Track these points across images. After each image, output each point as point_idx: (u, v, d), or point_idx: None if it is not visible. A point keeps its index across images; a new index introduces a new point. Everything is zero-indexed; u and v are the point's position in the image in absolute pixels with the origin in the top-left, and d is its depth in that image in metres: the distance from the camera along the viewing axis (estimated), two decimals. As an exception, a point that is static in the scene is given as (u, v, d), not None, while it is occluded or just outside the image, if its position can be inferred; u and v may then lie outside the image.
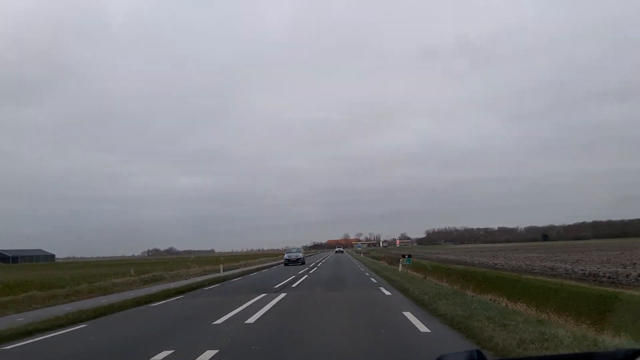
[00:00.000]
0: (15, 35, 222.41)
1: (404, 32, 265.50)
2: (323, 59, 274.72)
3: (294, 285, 20.21)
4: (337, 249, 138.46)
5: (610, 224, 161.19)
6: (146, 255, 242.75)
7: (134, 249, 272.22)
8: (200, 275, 29.75)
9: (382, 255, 64.08)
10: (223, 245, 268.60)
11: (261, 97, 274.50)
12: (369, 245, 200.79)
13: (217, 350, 7.21)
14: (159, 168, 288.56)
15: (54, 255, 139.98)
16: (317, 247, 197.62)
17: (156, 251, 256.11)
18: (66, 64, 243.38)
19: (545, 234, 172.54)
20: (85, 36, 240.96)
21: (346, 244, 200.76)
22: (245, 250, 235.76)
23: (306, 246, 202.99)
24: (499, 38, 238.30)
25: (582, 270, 26.42)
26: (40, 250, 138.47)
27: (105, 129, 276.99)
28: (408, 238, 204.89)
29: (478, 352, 1.86)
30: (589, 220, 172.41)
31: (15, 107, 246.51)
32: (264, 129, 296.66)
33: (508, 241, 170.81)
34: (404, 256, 28.72)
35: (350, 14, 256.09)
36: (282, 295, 15.78)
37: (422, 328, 8.74)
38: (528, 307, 12.94)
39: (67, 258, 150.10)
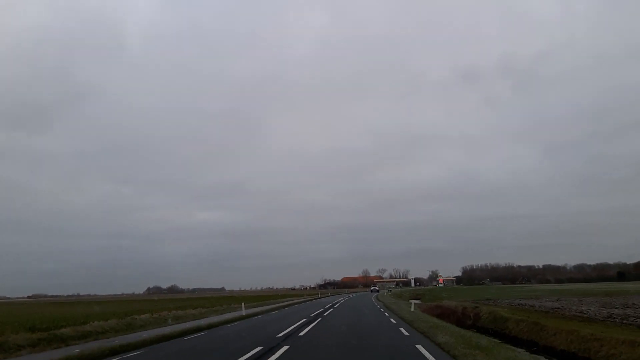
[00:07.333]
0: (26, 54, 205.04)
1: (441, 51, 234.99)
2: (351, 82, 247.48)
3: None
4: (372, 288, 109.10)
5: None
6: (147, 293, 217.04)
7: (135, 286, 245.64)
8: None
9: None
10: (232, 283, 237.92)
11: (283, 125, 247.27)
12: (397, 284, 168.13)
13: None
14: (170, 202, 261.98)
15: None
16: (328, 286, 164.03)
17: (157, 289, 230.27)
18: (80, 87, 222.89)
19: (620, 272, 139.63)
20: (100, 58, 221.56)
21: (366, 282, 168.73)
22: (253, 288, 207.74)
23: (318, 284, 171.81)
24: (545, 59, 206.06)
25: None
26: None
27: (118, 159, 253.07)
28: (440, 276, 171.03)
29: None
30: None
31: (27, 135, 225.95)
32: (284, 160, 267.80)
33: (572, 281, 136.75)
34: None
35: (382, 33, 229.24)
36: None
37: None
38: None
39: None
